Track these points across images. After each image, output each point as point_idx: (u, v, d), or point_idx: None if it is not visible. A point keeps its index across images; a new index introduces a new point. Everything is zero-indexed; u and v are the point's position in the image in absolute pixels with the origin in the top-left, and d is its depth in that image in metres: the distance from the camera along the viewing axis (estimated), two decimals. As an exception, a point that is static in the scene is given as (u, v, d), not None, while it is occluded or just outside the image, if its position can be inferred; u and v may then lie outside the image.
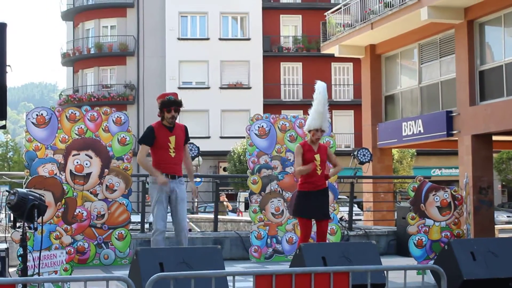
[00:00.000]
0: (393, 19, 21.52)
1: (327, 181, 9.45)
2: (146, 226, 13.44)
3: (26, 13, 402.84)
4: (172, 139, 8.89)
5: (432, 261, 9.19)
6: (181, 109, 8.99)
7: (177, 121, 9.17)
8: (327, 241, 9.53)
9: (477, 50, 19.82)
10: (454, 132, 20.32)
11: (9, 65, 7.18)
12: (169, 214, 9.07)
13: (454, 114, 20.35)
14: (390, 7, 21.65)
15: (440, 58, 21.67)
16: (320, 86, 9.46)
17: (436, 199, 9.65)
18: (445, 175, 41.89)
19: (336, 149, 12.25)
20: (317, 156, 9.20)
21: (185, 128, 9.20)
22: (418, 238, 9.53)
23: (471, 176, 18.57)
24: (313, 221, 9.31)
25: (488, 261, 8.19)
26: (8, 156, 50.34)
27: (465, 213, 10.05)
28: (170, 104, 8.85)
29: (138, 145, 9.16)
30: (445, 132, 20.53)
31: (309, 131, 9.30)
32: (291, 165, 11.61)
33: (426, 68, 22.46)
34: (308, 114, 9.49)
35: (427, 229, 9.58)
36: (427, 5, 19.70)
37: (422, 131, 21.64)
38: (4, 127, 7.46)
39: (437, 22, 20.41)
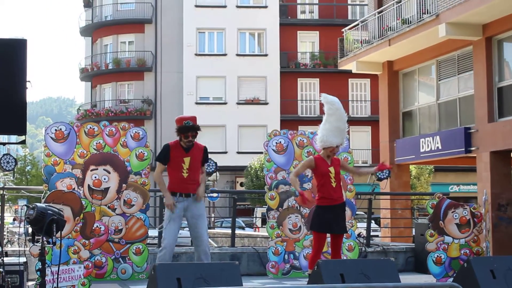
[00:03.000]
0: (411, 36, 21.49)
1: (344, 196, 9.40)
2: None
3: (45, 29, 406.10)
4: (187, 160, 8.93)
5: (451, 279, 9.12)
6: (198, 124, 9.04)
7: (196, 139, 9.17)
8: (341, 255, 9.46)
9: (496, 67, 19.74)
10: (473, 148, 20.20)
11: (29, 81, 7.23)
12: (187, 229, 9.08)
13: (472, 130, 20.24)
14: (408, 23, 21.63)
15: (458, 74, 21.60)
16: (335, 101, 9.39)
17: (455, 216, 9.60)
18: (463, 192, 41.61)
19: (354, 165, 12.22)
20: (332, 169, 9.14)
21: (204, 149, 9.23)
22: (437, 255, 9.47)
23: (490, 193, 18.45)
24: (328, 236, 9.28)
25: (508, 279, 8.10)
26: (26, 170, 50.57)
27: (484, 231, 9.98)
28: (187, 130, 8.90)
29: (156, 161, 9.20)
30: (464, 149, 20.41)
31: (327, 148, 9.20)
32: (308, 181, 11.59)
33: (444, 84, 22.39)
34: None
35: (446, 246, 9.52)
36: (445, 22, 19.65)
37: (440, 147, 21.54)
38: (23, 142, 7.51)
39: (455, 39, 20.36)
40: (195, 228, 8.94)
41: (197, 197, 9.09)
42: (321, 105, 9.67)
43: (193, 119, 9.06)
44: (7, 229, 21.01)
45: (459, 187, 42.40)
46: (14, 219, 37.71)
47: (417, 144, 22.69)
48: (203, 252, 8.83)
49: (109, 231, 10.62)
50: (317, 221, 9.12)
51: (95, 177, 10.58)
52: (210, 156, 9.90)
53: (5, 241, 17.20)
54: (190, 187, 8.98)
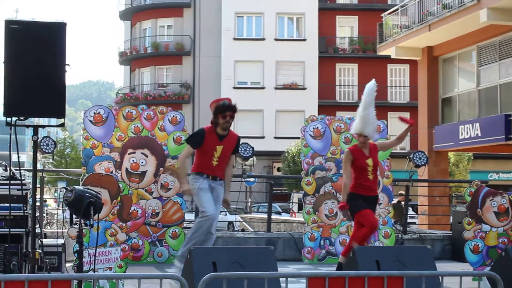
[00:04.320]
0: (451, 21, 21.24)
1: (380, 184, 9.31)
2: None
3: (85, 13, 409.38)
4: (219, 148, 8.70)
5: (488, 268, 9.02)
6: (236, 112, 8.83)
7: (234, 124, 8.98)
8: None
9: (538, 53, 19.46)
10: (513, 136, 19.97)
11: (68, 64, 7.28)
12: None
13: (513, 117, 20.00)
14: (449, 8, 21.38)
15: (499, 60, 21.31)
16: (367, 87, 9.25)
17: (494, 204, 9.48)
18: (502, 180, 41.16)
19: (392, 151, 12.14)
20: (369, 161, 8.92)
21: (238, 139, 8.99)
22: (474, 244, 9.37)
23: (530, 181, 18.20)
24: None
25: (546, 269, 7.99)
26: (65, 152, 51.14)
27: (523, 219, 9.84)
28: (225, 109, 8.58)
29: (186, 142, 9.05)
30: (504, 136, 20.17)
31: (354, 135, 9.22)
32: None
33: (485, 70, 22.11)
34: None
35: (484, 234, 9.42)
36: (486, 7, 19.39)
37: (479, 134, 21.31)
38: (63, 125, 7.57)
39: (497, 24, 20.07)
40: None
41: (226, 204, 8.97)
42: (359, 91, 9.57)
43: (229, 100, 8.77)
44: (46, 210, 21.33)
45: (498, 174, 41.92)
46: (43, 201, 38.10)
47: (456, 131, 22.47)
48: (207, 238, 8.70)
49: (146, 215, 10.71)
50: (354, 204, 8.86)
51: (133, 161, 10.66)
52: (247, 140, 9.81)
53: (44, 222, 17.44)
54: (218, 172, 8.81)
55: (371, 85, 9.25)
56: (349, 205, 8.98)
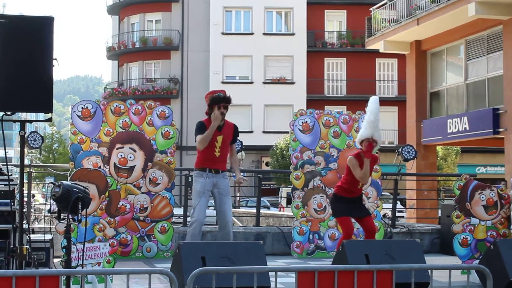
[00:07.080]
0: (440, 15, 21.26)
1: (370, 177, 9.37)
2: (189, 219, 13.45)
3: (72, 7, 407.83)
4: (220, 138, 8.84)
5: (477, 261, 9.05)
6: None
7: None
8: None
9: (526, 47, 19.49)
10: (501, 129, 20.01)
11: (55, 59, 7.22)
12: (213, 208, 9.10)
13: (501, 111, 20.04)
14: (437, 2, 21.40)
15: (487, 54, 21.36)
16: (370, 99, 9.35)
17: (482, 197, 9.50)
18: (490, 173, 41.30)
19: (380, 145, 12.13)
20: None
21: (234, 127, 9.11)
22: (463, 237, 9.39)
23: (518, 175, 18.25)
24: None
25: (535, 262, 8.01)
26: (53, 148, 50.93)
27: (512, 213, 9.87)
28: (220, 101, 8.76)
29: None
30: (491, 130, 20.23)
31: (361, 143, 9.12)
32: (334, 161, 11.55)
33: (473, 64, 22.15)
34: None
35: (472, 228, 9.44)
36: (474, 1, 19.42)
37: (467, 128, 21.36)
38: (50, 119, 7.52)
39: (485, 18, 20.11)
40: (221, 205, 8.90)
41: (241, 182, 9.10)
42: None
43: (224, 92, 8.96)
44: (34, 206, 21.24)
45: (486, 168, 42.08)
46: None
47: (445, 125, 22.52)
48: (226, 235, 8.79)
49: (135, 210, 10.67)
50: (340, 207, 9.05)
51: (121, 156, 10.61)
52: (235, 135, 9.78)
53: (32, 218, 17.36)
54: (220, 164, 8.96)
55: (375, 98, 9.36)
56: (333, 207, 9.15)
